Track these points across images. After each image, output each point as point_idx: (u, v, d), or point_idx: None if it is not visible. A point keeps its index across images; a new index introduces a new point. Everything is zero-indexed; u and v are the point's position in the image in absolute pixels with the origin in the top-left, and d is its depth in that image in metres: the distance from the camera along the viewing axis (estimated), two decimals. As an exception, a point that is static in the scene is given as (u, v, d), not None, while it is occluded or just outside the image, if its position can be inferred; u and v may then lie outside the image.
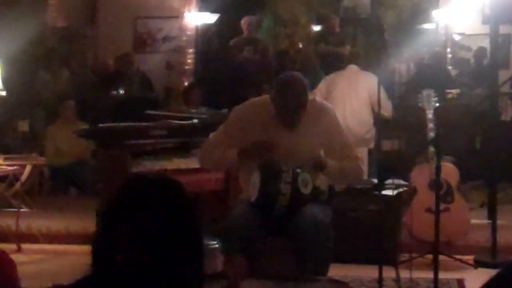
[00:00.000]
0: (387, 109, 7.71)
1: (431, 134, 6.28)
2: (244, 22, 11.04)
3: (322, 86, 8.19)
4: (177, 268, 2.11)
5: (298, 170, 4.44)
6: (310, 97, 4.82)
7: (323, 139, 4.61)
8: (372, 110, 7.88)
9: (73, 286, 2.16)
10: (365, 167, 7.50)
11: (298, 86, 4.54)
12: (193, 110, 8.01)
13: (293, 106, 4.52)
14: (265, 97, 4.73)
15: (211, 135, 4.80)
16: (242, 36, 11.03)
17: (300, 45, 12.46)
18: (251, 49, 10.60)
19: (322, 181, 4.63)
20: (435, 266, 4.86)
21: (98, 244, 2.17)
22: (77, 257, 6.09)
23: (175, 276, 2.10)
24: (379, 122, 7.32)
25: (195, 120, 6.46)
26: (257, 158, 4.45)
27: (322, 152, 4.58)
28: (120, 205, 2.16)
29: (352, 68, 8.19)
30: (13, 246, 6.72)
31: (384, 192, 6.09)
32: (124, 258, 2.10)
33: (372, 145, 7.96)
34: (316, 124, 4.62)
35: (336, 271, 4.95)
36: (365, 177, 7.07)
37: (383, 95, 6.96)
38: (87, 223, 6.56)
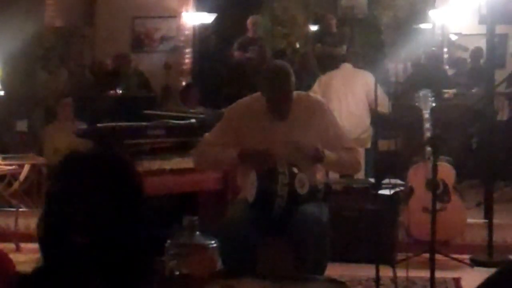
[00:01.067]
0: (384, 104, 7.71)
1: (428, 134, 6.31)
2: (249, 22, 11.02)
3: (316, 87, 8.16)
4: (126, 245, 2.11)
5: (295, 171, 4.46)
6: (301, 91, 4.88)
7: (318, 133, 4.66)
8: (370, 108, 7.89)
9: (32, 274, 2.15)
10: (361, 167, 7.51)
11: (283, 73, 4.62)
12: (191, 110, 8.02)
13: (280, 92, 4.58)
14: (257, 94, 4.77)
15: (206, 135, 4.84)
16: (247, 36, 11.01)
17: (298, 45, 12.49)
18: (255, 48, 10.59)
19: (318, 180, 4.67)
20: (432, 265, 4.88)
21: (52, 228, 2.14)
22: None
23: (126, 254, 2.11)
24: (377, 120, 7.33)
25: (193, 120, 6.48)
26: (256, 166, 4.48)
27: (319, 145, 4.63)
28: (64, 186, 2.13)
29: (346, 66, 8.19)
30: (12, 246, 6.73)
31: (381, 192, 6.11)
32: (81, 239, 2.08)
33: (369, 145, 7.97)
34: (310, 118, 4.67)
35: (333, 270, 4.97)
36: (362, 176, 7.10)
37: (380, 90, 6.97)
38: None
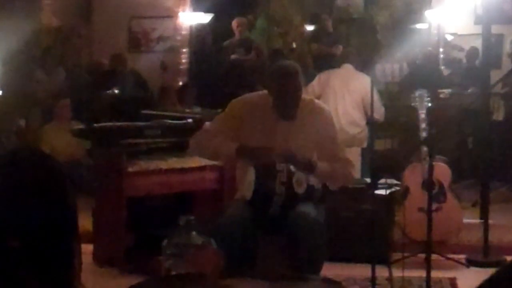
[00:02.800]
0: (379, 112, 7.74)
1: (424, 134, 6.32)
2: (234, 23, 11.04)
3: (315, 83, 8.20)
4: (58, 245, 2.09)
5: (293, 170, 4.49)
6: (308, 96, 4.89)
7: (317, 138, 4.68)
8: (365, 112, 7.91)
9: None
10: (358, 167, 7.53)
11: (292, 73, 4.64)
12: (188, 110, 8.05)
13: (288, 92, 4.60)
14: (262, 92, 4.79)
15: (207, 124, 4.84)
16: (233, 38, 11.02)
17: (294, 45, 12.49)
18: (242, 50, 10.60)
19: (315, 180, 4.69)
20: (428, 265, 4.90)
21: None
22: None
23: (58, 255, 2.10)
24: (372, 122, 7.34)
25: (190, 120, 6.50)
26: (255, 161, 4.50)
27: (315, 155, 4.64)
28: None
29: (347, 67, 8.21)
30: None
31: (377, 192, 6.12)
32: (14, 242, 2.03)
33: (365, 145, 7.99)
34: (312, 122, 4.70)
35: (329, 270, 4.99)
36: (358, 176, 7.11)
37: (376, 98, 6.96)
38: (83, 222, 6.58)
